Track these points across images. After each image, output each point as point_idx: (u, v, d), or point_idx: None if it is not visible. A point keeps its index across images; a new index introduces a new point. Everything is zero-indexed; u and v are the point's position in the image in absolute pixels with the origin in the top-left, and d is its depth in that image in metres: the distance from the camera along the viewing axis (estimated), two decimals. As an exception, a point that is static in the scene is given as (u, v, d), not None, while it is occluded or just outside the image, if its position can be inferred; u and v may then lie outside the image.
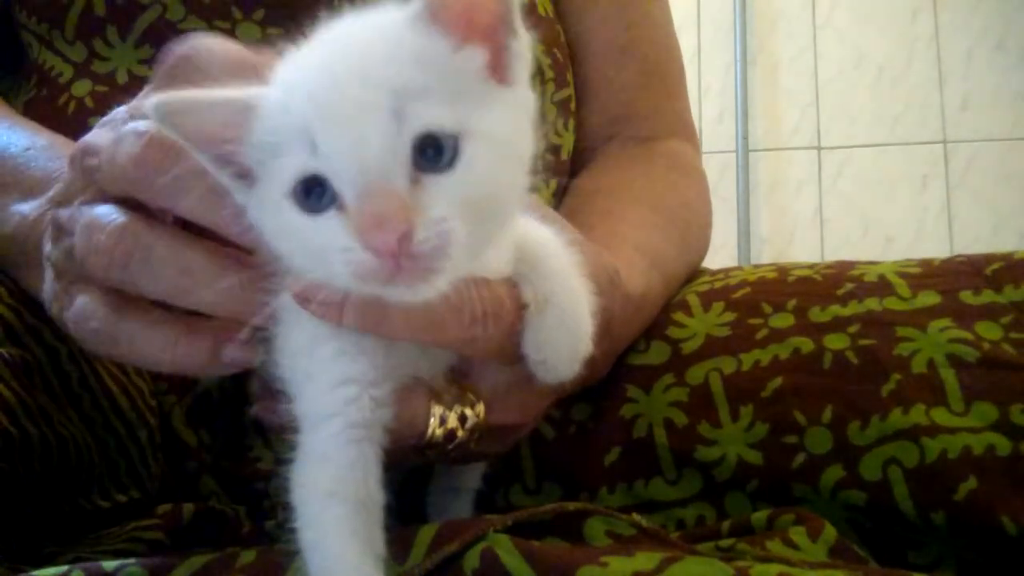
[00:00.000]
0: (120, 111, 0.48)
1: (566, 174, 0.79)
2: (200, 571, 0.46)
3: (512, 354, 0.48)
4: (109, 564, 0.47)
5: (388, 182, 0.37)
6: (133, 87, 0.69)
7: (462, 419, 0.49)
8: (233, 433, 0.65)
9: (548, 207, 0.58)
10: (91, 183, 0.47)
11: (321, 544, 0.42)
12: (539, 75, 0.75)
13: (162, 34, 0.67)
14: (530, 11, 0.76)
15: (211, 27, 0.67)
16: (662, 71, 0.85)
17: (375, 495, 0.43)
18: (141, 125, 0.45)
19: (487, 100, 0.40)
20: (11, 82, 0.74)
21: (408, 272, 0.38)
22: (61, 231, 0.48)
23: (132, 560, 0.48)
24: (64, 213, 0.48)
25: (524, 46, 0.43)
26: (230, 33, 0.67)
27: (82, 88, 0.68)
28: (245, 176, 0.42)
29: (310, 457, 0.44)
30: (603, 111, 0.82)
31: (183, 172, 0.43)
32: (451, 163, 0.38)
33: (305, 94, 0.39)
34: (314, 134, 0.38)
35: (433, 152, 0.38)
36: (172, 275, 0.44)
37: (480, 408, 0.50)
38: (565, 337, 0.48)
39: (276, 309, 0.44)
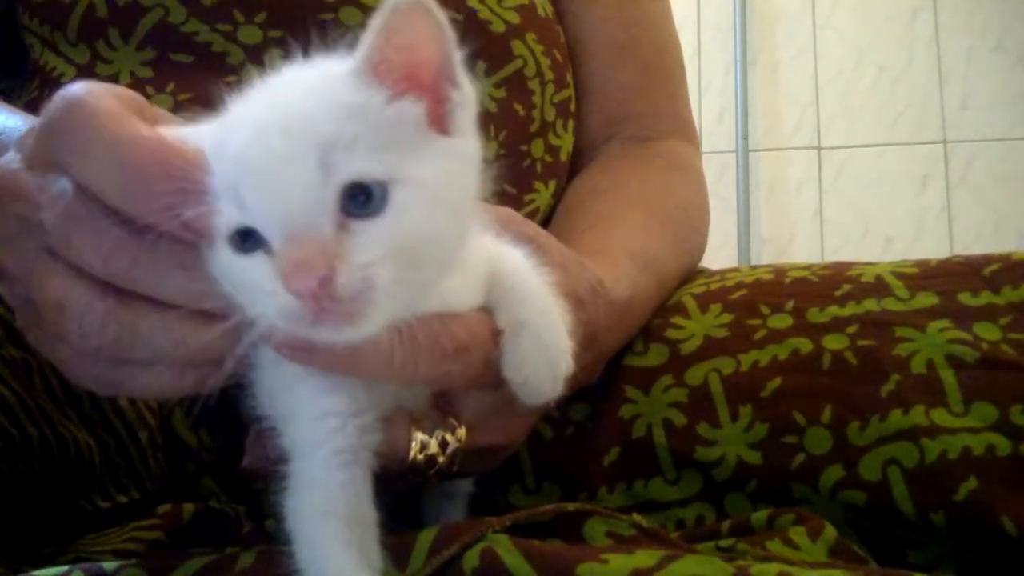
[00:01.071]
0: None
1: (565, 175, 0.79)
2: (200, 572, 0.46)
3: (491, 381, 0.48)
4: (109, 564, 0.47)
5: (311, 229, 0.38)
6: (136, 89, 0.69)
7: (443, 444, 0.49)
8: (233, 433, 0.65)
9: (531, 223, 0.58)
10: (25, 229, 0.44)
11: (319, 559, 0.43)
12: (539, 76, 0.75)
13: (164, 36, 0.67)
14: (529, 12, 0.76)
15: (213, 30, 0.67)
16: (662, 71, 0.85)
17: (367, 513, 0.44)
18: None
19: (422, 149, 0.42)
20: (13, 83, 0.74)
21: (332, 315, 0.38)
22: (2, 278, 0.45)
23: (132, 561, 0.48)
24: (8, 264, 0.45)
25: (467, 97, 0.44)
26: (231, 36, 0.67)
27: None
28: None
29: (301, 482, 0.44)
30: (602, 111, 0.82)
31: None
32: (380, 209, 0.39)
33: (232, 151, 0.40)
34: (240, 190, 0.39)
35: (364, 199, 0.39)
36: (162, 343, 0.43)
37: (461, 432, 0.50)
38: (543, 358, 0.48)
39: (254, 353, 0.45)
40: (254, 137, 0.40)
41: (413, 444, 0.48)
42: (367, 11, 0.69)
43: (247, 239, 0.40)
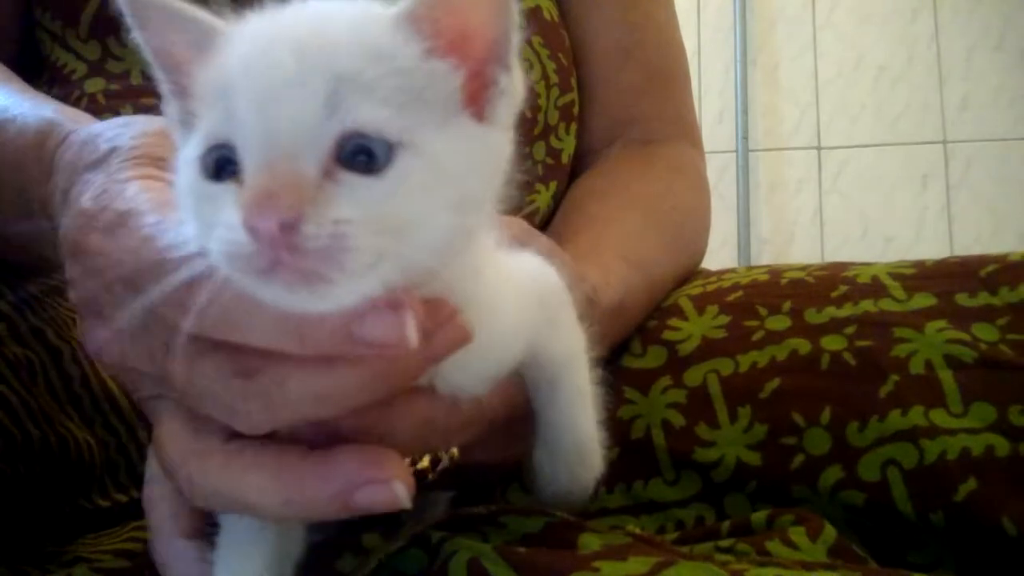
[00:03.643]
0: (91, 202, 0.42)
1: (566, 177, 0.79)
2: None
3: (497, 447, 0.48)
4: None
5: (293, 162, 0.33)
6: (147, 87, 0.68)
7: (434, 462, 0.48)
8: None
9: (543, 237, 0.57)
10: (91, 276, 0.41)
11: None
12: (544, 80, 0.75)
13: None
14: (535, 16, 0.76)
15: None
16: (665, 74, 0.85)
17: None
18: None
19: (447, 124, 0.36)
20: (25, 79, 0.74)
21: (288, 270, 0.33)
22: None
23: None
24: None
25: (515, 87, 0.39)
26: None
27: (95, 86, 0.68)
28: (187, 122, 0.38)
29: None
30: (605, 114, 0.82)
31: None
32: (379, 170, 0.34)
33: (236, 55, 0.36)
34: (232, 99, 0.35)
35: (365, 158, 0.34)
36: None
37: (454, 451, 0.49)
38: (574, 476, 0.47)
39: None
40: (263, 47, 0.35)
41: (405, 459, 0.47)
42: None
43: (222, 167, 0.35)
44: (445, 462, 0.49)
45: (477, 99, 0.38)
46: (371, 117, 0.34)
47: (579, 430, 0.46)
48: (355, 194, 0.34)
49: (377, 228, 0.34)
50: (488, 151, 0.38)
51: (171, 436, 0.40)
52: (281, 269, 0.33)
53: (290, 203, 0.32)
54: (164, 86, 0.40)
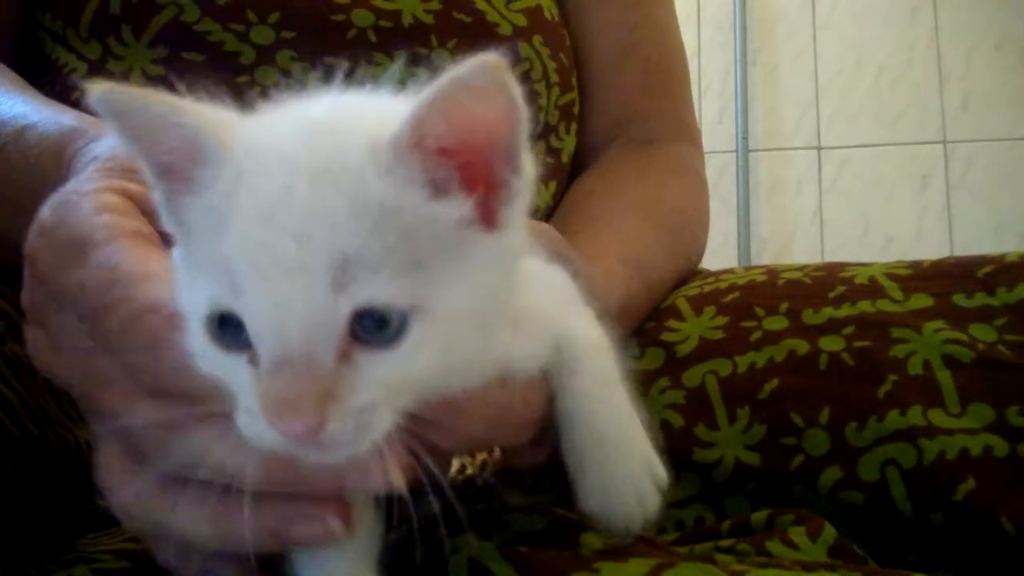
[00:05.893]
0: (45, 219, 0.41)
1: (566, 176, 0.79)
2: None
3: (533, 442, 0.45)
4: None
5: (308, 360, 0.32)
6: (148, 87, 0.68)
7: (482, 466, 0.48)
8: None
9: (563, 240, 0.56)
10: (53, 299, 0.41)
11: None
12: (544, 79, 0.75)
13: (177, 35, 0.67)
14: (536, 15, 0.76)
15: (226, 29, 0.67)
16: (664, 73, 0.85)
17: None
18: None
19: (458, 259, 0.34)
20: (25, 79, 0.74)
21: (314, 452, 0.33)
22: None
23: None
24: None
25: (526, 182, 0.36)
26: (244, 36, 0.67)
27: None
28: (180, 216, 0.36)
29: None
30: (605, 113, 0.83)
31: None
32: (394, 340, 0.33)
33: (236, 226, 0.33)
34: (235, 276, 0.33)
35: (374, 322, 0.33)
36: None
37: (497, 453, 0.49)
38: (617, 490, 0.43)
39: None
40: (261, 225, 0.32)
41: (453, 465, 0.47)
42: (379, 13, 0.69)
43: (226, 325, 0.34)
44: (491, 466, 0.48)
45: (489, 211, 0.35)
46: (380, 292, 0.32)
47: (601, 420, 0.43)
48: (374, 372, 0.33)
49: (399, 397, 0.34)
50: (503, 260, 0.36)
51: (106, 453, 0.40)
52: (306, 451, 0.33)
53: (311, 409, 0.32)
54: (147, 171, 0.37)
